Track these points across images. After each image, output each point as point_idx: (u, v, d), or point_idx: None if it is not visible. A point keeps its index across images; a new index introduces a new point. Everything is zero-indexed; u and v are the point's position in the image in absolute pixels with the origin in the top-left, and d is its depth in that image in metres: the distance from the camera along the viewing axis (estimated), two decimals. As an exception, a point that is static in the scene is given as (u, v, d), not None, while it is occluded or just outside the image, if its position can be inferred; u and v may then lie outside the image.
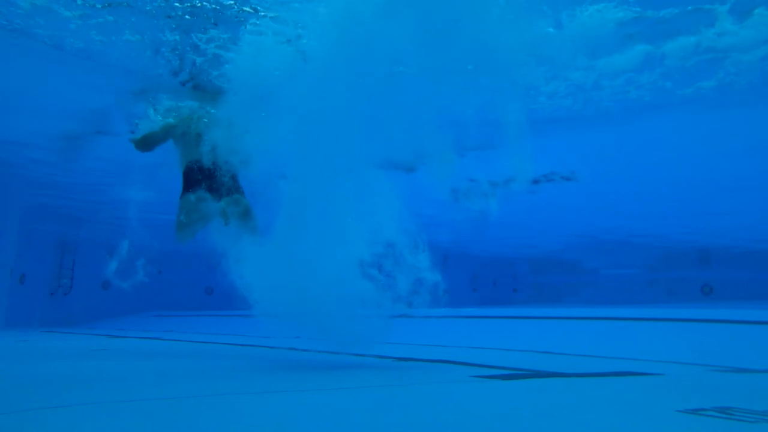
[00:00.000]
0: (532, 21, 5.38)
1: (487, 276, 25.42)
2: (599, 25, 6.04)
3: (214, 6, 5.87)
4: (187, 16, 6.00)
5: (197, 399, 2.52)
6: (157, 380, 3.31)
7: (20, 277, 17.03)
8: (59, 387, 2.98)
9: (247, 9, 5.89)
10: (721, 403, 2.33)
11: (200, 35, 6.31)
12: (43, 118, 9.07)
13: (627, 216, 15.33)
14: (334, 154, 3.89)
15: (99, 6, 5.80)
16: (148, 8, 5.85)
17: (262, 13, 5.94)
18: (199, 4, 5.81)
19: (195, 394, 2.69)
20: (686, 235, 17.20)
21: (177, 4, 5.81)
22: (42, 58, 6.92)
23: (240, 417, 2.04)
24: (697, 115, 8.48)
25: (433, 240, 3.87)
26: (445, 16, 3.76)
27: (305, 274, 3.82)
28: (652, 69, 7.11)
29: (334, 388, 2.90)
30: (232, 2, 5.81)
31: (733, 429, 1.84)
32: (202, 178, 5.37)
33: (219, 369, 4.09)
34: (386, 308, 3.83)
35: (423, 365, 4.35)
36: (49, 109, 8.77)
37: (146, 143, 5.76)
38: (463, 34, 3.78)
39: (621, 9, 5.90)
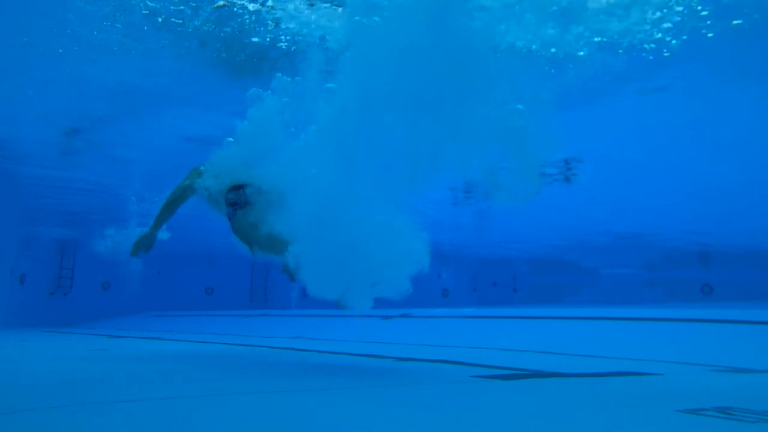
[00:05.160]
0: None
1: (487, 276, 25.44)
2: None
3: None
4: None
5: (197, 399, 2.53)
6: (158, 380, 3.31)
7: (20, 277, 17.04)
8: (59, 387, 2.98)
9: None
10: (721, 403, 2.33)
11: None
12: (44, 116, 9.06)
13: (627, 216, 15.32)
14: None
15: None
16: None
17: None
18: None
19: (195, 394, 2.69)
20: (686, 235, 17.21)
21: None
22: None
23: (240, 417, 2.04)
24: (696, 113, 8.47)
25: (433, 240, 3.84)
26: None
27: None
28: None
29: (334, 388, 2.90)
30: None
31: (733, 429, 1.84)
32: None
33: (219, 369, 4.09)
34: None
35: (423, 365, 4.35)
36: (50, 108, 8.76)
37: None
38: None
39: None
